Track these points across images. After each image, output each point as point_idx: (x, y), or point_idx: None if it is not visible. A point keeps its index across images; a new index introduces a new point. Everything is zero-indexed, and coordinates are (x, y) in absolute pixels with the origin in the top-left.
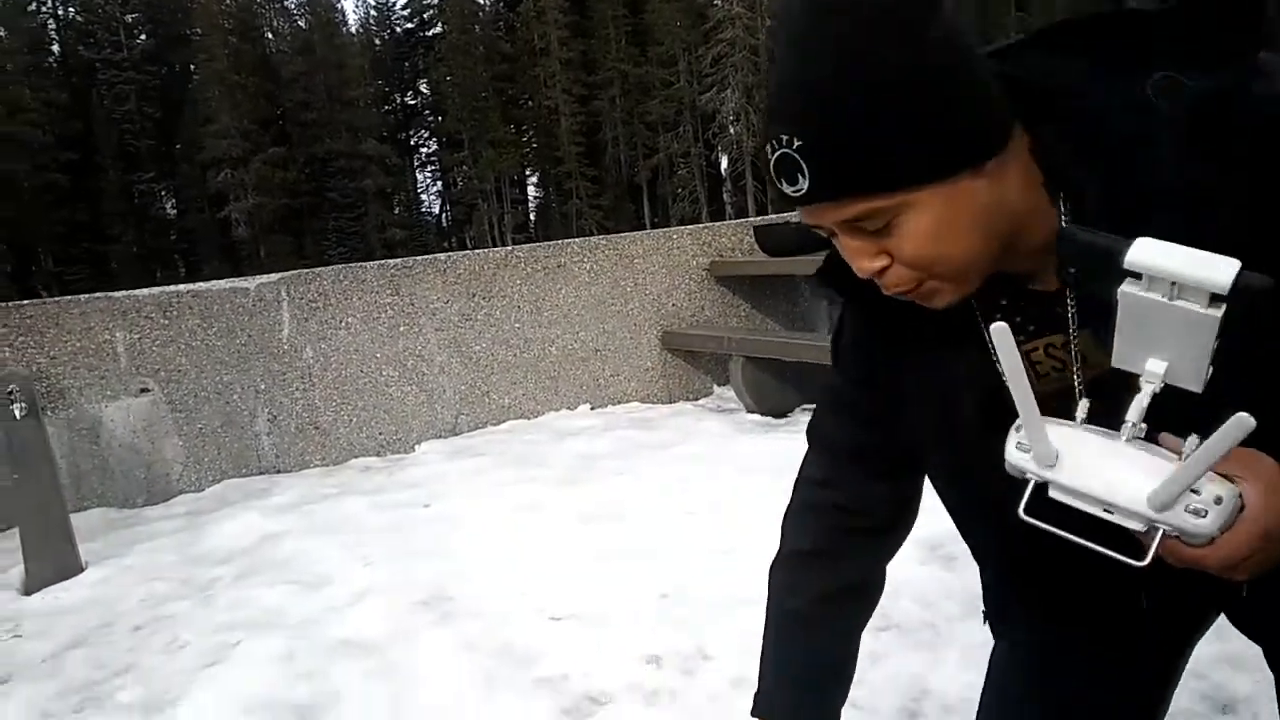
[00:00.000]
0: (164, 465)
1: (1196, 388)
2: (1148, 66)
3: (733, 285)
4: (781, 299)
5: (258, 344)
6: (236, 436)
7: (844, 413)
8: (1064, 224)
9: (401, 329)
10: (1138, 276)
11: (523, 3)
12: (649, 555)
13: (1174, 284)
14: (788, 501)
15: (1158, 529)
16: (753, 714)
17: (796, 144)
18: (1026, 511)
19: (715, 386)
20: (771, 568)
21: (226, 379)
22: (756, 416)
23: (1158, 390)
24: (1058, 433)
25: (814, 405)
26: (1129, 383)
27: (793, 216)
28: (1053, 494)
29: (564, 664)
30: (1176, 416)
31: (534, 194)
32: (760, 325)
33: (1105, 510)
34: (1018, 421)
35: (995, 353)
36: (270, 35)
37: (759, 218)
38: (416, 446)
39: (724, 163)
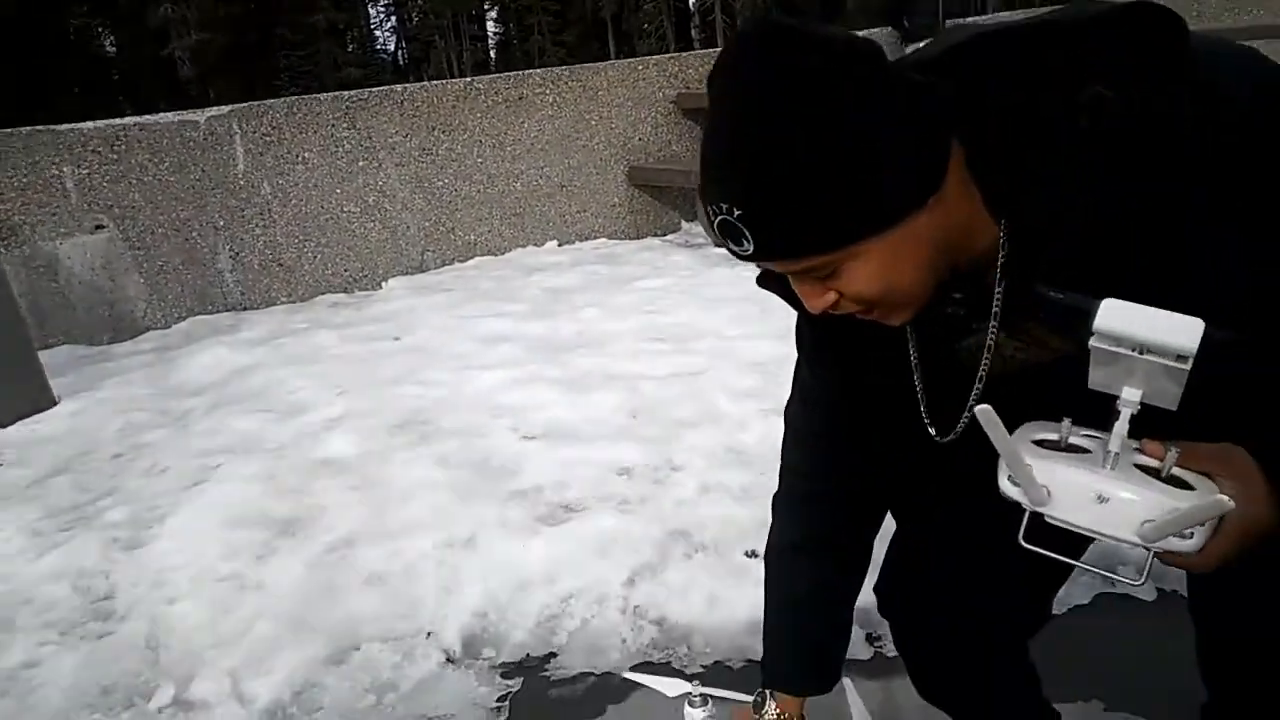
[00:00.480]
0: (128, 303)
1: (1172, 407)
2: (1074, 80)
3: (701, 118)
4: None
5: (212, 179)
6: (199, 274)
7: (810, 402)
8: (1001, 266)
9: (360, 164)
10: None
11: None
12: (618, 379)
13: (1141, 350)
14: (776, 488)
15: (1149, 550)
16: (764, 686)
17: (737, 213)
18: (1025, 539)
19: (683, 222)
20: (767, 555)
21: (184, 215)
22: (724, 251)
23: (1135, 414)
24: (1044, 467)
25: None
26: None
27: None
28: (1048, 520)
29: (538, 478)
30: (1154, 415)
31: (493, 30)
32: None
33: (1099, 534)
34: None
35: (987, 432)
36: None
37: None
38: (383, 283)
39: None
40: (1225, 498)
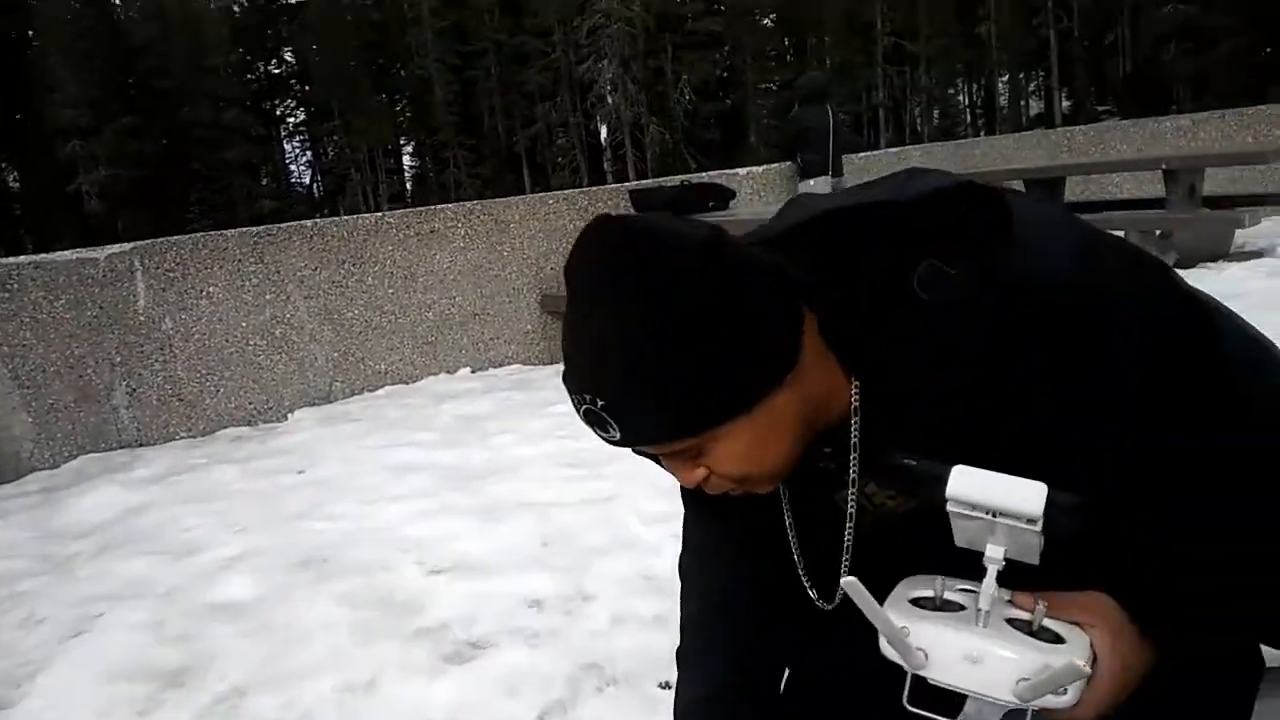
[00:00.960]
0: (13, 443)
1: (1034, 562)
2: (912, 255)
3: None
4: None
5: (110, 316)
6: (93, 410)
7: (701, 558)
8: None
9: (268, 297)
10: None
11: None
12: (529, 508)
13: (993, 514)
14: (678, 641)
15: (1027, 709)
16: None
17: (600, 403)
18: (910, 701)
19: None
20: (676, 714)
21: (78, 352)
22: None
23: (1001, 569)
24: (919, 630)
25: None
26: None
27: (667, 181)
28: (931, 682)
29: (445, 613)
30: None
31: (410, 163)
32: None
33: (977, 695)
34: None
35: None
36: (117, 1)
37: (634, 182)
38: (289, 415)
39: (603, 132)
40: (1082, 663)
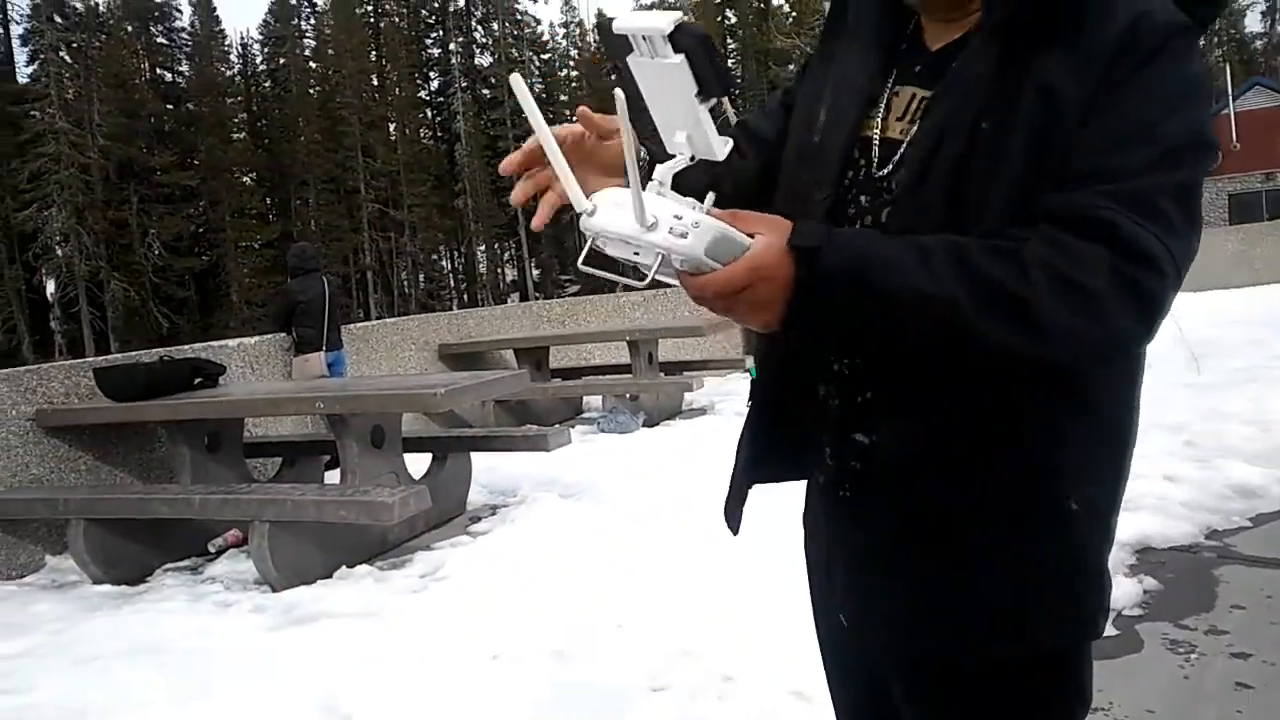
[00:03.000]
0: None
1: (719, 156)
2: None
3: (69, 437)
4: (134, 448)
5: None
6: None
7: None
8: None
9: None
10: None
11: None
12: None
13: (645, 38)
14: None
15: (658, 252)
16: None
17: None
18: (585, 262)
19: (49, 557)
20: None
21: None
22: (107, 587)
23: (689, 161)
24: (610, 194)
25: (180, 564)
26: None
27: (145, 356)
28: (591, 236)
29: None
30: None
31: None
32: (108, 480)
33: (634, 252)
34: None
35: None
36: None
37: (99, 358)
38: None
39: (50, 287)
40: (710, 233)
